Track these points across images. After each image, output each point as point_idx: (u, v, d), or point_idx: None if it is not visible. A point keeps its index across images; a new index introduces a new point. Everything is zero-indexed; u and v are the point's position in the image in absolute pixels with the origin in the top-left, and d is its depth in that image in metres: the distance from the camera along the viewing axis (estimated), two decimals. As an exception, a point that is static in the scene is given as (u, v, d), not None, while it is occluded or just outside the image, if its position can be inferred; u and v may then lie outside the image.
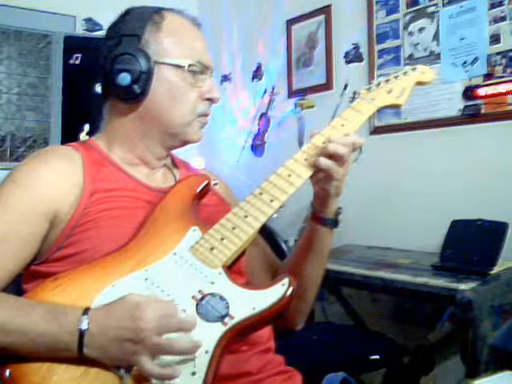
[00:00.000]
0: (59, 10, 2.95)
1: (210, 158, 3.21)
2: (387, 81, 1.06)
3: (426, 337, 2.04)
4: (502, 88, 2.00)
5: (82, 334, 0.78)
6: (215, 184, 1.10)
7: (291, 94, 2.92)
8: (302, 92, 2.84)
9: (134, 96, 0.99)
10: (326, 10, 2.72)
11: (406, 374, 1.89)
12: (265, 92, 3.06)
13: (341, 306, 2.36)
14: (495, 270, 1.73)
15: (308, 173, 0.94)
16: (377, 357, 1.75)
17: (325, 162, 0.92)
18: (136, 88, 0.98)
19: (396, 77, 1.06)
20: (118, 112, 1.03)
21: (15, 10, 2.84)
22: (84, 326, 0.78)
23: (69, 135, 2.72)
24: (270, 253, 1.17)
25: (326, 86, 2.70)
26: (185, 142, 1.05)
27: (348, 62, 2.62)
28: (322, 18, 2.74)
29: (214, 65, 1.05)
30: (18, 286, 0.96)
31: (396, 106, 1.05)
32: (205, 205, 1.05)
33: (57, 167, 0.95)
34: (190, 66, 0.99)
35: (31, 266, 0.94)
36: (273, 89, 3.01)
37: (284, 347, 1.06)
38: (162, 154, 1.06)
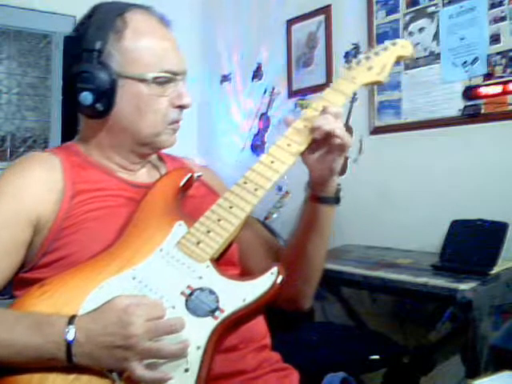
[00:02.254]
0: (59, 10, 2.95)
1: (210, 157, 3.21)
2: (367, 58, 1.04)
3: (426, 337, 2.04)
4: (502, 88, 2.00)
5: (69, 344, 0.77)
6: (199, 176, 1.08)
7: (291, 93, 2.91)
8: (302, 92, 2.84)
9: (98, 114, 0.98)
10: (326, 10, 2.71)
11: (405, 374, 1.89)
12: (265, 92, 3.06)
13: (341, 306, 2.36)
14: (495, 270, 1.73)
15: (292, 159, 0.93)
16: (377, 357, 1.75)
17: (342, 133, 0.90)
18: (99, 106, 0.96)
19: (376, 53, 1.04)
20: (89, 125, 1.03)
21: (15, 9, 2.84)
22: (70, 336, 0.77)
23: (69, 135, 2.72)
24: (268, 237, 1.16)
25: (326, 86, 2.68)
26: (158, 149, 1.05)
27: (348, 62, 2.62)
28: (322, 17, 2.74)
29: (185, 66, 1.01)
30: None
31: (377, 83, 1.04)
32: (192, 196, 1.04)
33: (35, 174, 0.95)
34: (154, 78, 0.96)
35: (19, 273, 0.94)
36: (273, 89, 3.01)
37: (284, 347, 1.06)
38: (138, 160, 1.05)
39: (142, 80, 0.96)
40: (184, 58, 1.01)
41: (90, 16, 1.00)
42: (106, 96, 0.95)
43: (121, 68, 0.96)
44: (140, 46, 0.96)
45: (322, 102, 0.97)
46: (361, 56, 1.05)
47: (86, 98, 0.96)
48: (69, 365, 0.78)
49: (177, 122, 1.01)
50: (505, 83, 1.99)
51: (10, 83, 2.92)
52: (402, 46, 1.05)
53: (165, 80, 0.97)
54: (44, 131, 2.99)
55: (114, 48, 0.96)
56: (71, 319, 0.79)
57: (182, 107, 1.00)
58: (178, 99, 0.99)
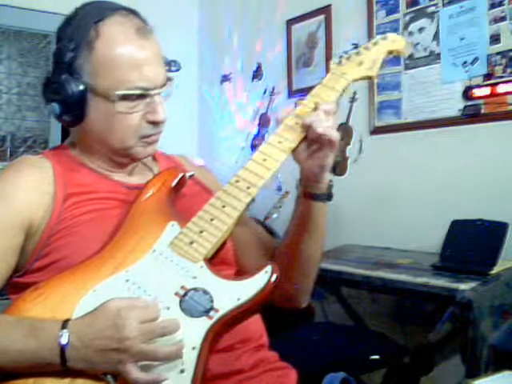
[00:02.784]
0: (59, 10, 2.94)
1: (210, 158, 3.21)
2: (357, 53, 1.03)
3: (426, 337, 2.04)
4: (502, 88, 2.00)
5: (62, 348, 0.77)
6: (191, 176, 1.08)
7: (291, 93, 2.91)
8: (302, 92, 2.83)
9: (67, 124, 0.99)
10: (326, 10, 2.71)
11: (406, 374, 1.88)
12: (265, 92, 3.06)
13: (341, 306, 2.36)
14: (495, 270, 1.73)
15: (284, 155, 0.93)
16: (377, 357, 1.75)
17: (331, 130, 0.89)
18: (66, 118, 0.96)
19: (366, 48, 1.03)
20: (73, 129, 1.04)
21: (15, 9, 2.84)
22: (64, 340, 0.77)
23: (69, 135, 2.72)
24: (264, 235, 1.15)
25: (326, 86, 2.69)
26: (133, 160, 1.03)
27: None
28: (322, 18, 2.74)
29: (161, 79, 0.96)
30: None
31: (368, 78, 1.03)
32: (185, 195, 1.04)
33: (26, 178, 0.95)
34: (123, 96, 0.93)
35: (13, 278, 0.94)
36: (273, 89, 3.01)
37: (284, 347, 1.06)
38: (119, 168, 1.04)
39: (110, 98, 0.93)
40: (163, 69, 0.98)
41: (71, 18, 0.98)
42: (74, 108, 0.94)
43: (90, 81, 0.94)
44: (110, 61, 0.92)
45: (313, 99, 0.96)
46: (351, 51, 1.04)
47: (54, 108, 0.96)
48: (64, 369, 0.77)
49: (150, 136, 0.99)
50: (505, 83, 1.99)
51: (10, 83, 2.92)
52: (393, 41, 1.04)
53: (135, 96, 0.94)
54: (44, 131, 2.99)
55: (85, 60, 0.93)
56: (64, 323, 0.79)
57: (155, 123, 0.97)
58: (151, 115, 0.96)
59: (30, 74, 2.96)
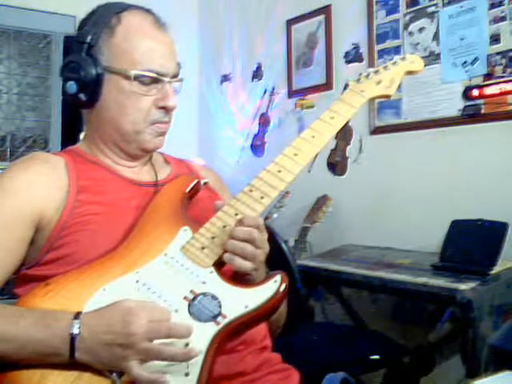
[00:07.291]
0: (59, 9, 2.95)
1: (210, 158, 3.21)
2: (376, 72, 1.06)
3: (426, 337, 2.04)
4: (502, 88, 2.00)
5: (73, 338, 0.78)
6: (205, 183, 1.10)
7: (291, 93, 2.91)
8: (302, 92, 2.84)
9: (82, 104, 1.01)
10: (326, 10, 2.72)
11: (406, 374, 1.88)
12: (265, 92, 3.06)
13: (341, 306, 2.36)
14: (495, 270, 1.73)
15: (299, 167, 0.94)
16: (377, 357, 1.75)
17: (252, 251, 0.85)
18: (82, 96, 0.99)
19: (385, 67, 1.06)
20: (86, 117, 1.06)
21: (15, 10, 2.84)
22: (75, 330, 0.78)
23: (69, 135, 2.72)
24: None
25: (326, 85, 2.70)
26: (142, 149, 1.04)
27: (348, 62, 2.62)
28: (322, 18, 2.74)
29: (175, 70, 1.02)
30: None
31: (385, 97, 1.06)
32: (198, 200, 1.05)
33: (38, 171, 0.96)
34: (136, 76, 0.97)
35: (22, 269, 0.94)
36: (273, 89, 3.01)
37: (284, 347, 1.06)
38: (130, 160, 1.05)
39: (125, 76, 0.97)
40: (176, 63, 1.02)
41: (92, 13, 1.03)
42: (90, 87, 0.98)
43: (108, 63, 0.98)
44: (128, 44, 0.98)
45: (331, 114, 1.00)
46: (370, 70, 1.07)
47: (71, 87, 0.99)
48: (70, 361, 0.78)
49: (160, 123, 1.01)
50: (505, 83, 1.99)
51: (9, 83, 2.92)
52: (412, 62, 1.07)
53: (149, 79, 0.98)
54: (44, 131, 2.99)
55: (105, 43, 0.98)
56: (77, 315, 0.80)
57: (165, 109, 1.00)
58: (162, 100, 0.99)
59: (30, 74, 2.96)
